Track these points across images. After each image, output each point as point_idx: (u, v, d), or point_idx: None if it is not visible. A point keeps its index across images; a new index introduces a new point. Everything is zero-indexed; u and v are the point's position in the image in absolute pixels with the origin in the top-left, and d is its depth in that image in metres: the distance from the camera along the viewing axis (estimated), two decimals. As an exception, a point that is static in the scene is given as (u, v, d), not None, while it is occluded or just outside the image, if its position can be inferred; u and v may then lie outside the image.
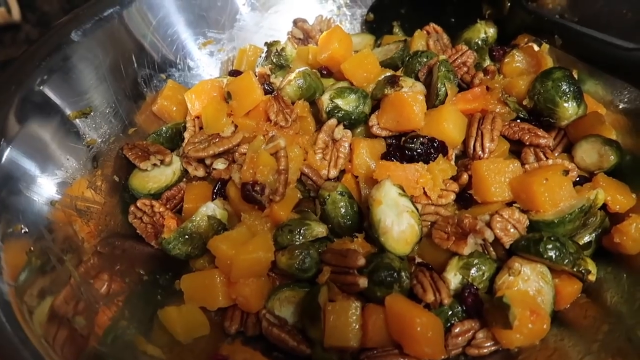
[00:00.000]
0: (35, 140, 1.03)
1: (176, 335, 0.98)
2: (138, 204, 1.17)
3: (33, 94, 1.06)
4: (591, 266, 0.97)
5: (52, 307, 0.83)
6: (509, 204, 1.07)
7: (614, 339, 0.84)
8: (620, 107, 1.20)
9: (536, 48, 1.30)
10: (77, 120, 1.18)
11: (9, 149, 0.97)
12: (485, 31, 1.43)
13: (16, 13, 2.22)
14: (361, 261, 1.01)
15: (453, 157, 1.19)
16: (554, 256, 0.94)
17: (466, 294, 0.99)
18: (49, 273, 0.90)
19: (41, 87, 1.08)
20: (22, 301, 0.78)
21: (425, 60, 1.30)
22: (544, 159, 1.12)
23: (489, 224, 1.02)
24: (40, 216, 0.98)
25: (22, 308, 0.77)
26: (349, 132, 1.21)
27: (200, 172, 1.24)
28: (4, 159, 0.95)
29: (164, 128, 1.33)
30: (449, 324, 0.99)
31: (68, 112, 1.14)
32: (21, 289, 0.81)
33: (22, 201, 0.96)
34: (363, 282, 0.99)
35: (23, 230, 0.92)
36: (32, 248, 0.91)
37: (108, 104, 1.27)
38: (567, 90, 1.12)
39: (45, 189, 1.02)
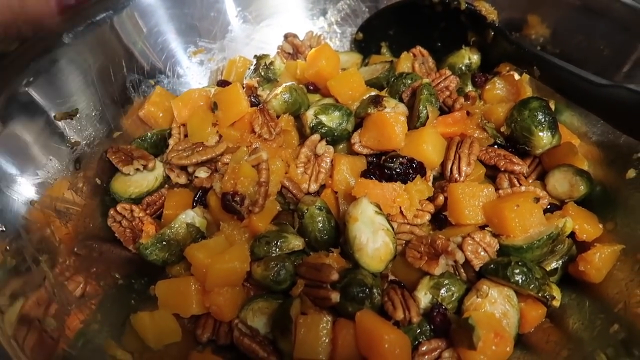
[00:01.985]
0: (17, 139, 1.04)
1: (147, 341, 0.98)
2: (118, 208, 1.18)
3: (18, 94, 1.07)
4: (556, 292, 1.00)
5: (24, 308, 0.83)
6: (482, 227, 1.10)
7: (572, 364, 0.88)
8: (594, 139, 1.24)
9: (517, 77, 1.34)
10: (62, 122, 1.19)
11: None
12: (469, 57, 1.47)
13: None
14: (334, 276, 1.03)
15: (431, 178, 1.22)
16: (520, 280, 0.97)
17: (435, 314, 1.01)
18: (23, 273, 0.90)
19: (27, 88, 1.09)
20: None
21: (409, 82, 1.34)
22: (518, 185, 1.15)
23: (460, 246, 1.05)
24: (18, 215, 0.99)
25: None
26: (331, 148, 1.24)
27: (182, 180, 1.26)
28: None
29: (149, 134, 1.34)
30: (416, 342, 1.01)
31: (53, 113, 1.14)
32: (-7, 288, 0.81)
33: (1, 200, 0.97)
34: (335, 296, 1.01)
35: (0, 229, 0.92)
36: (7, 247, 0.91)
37: (94, 106, 1.28)
38: (543, 120, 1.16)
39: (25, 188, 1.03)
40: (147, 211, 1.21)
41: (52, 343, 0.81)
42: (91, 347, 0.88)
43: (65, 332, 0.86)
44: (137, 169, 1.25)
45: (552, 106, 1.24)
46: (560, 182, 1.16)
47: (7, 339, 0.74)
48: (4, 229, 0.93)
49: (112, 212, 1.18)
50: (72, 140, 1.20)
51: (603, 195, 1.16)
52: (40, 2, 0.65)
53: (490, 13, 1.39)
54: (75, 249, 1.09)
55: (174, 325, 1.04)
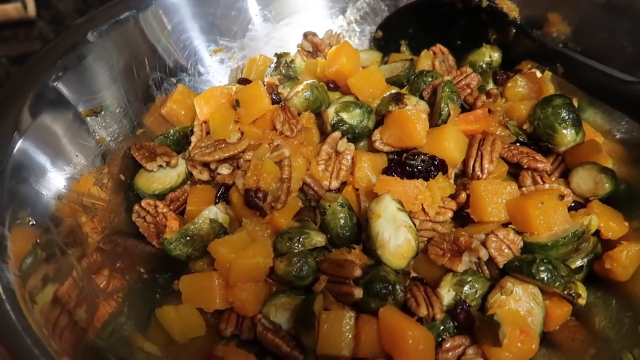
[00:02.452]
0: (47, 134, 1.06)
1: (172, 334, 1.00)
2: (142, 204, 1.20)
3: (48, 89, 1.10)
4: (582, 290, 0.99)
5: (54, 298, 0.85)
6: (505, 225, 1.09)
7: (600, 361, 0.87)
8: (618, 136, 1.24)
9: (539, 75, 1.33)
10: (88, 118, 1.21)
11: (20, 141, 0.99)
12: (490, 55, 1.46)
13: (32, 9, 2.26)
14: (357, 272, 1.03)
15: (452, 175, 1.22)
16: (545, 278, 0.97)
17: (458, 310, 1.01)
18: (52, 265, 0.92)
19: (56, 84, 1.11)
20: (25, 290, 0.80)
21: (430, 79, 1.34)
22: (541, 182, 1.15)
23: (484, 243, 1.04)
24: (47, 209, 1.01)
25: (26, 297, 0.79)
26: (352, 145, 1.24)
27: (205, 176, 1.27)
28: (15, 151, 0.98)
29: (171, 131, 1.36)
30: (440, 339, 1.01)
31: (80, 109, 1.17)
32: (25, 278, 0.83)
33: (31, 194, 0.99)
34: (358, 292, 1.01)
35: (30, 222, 0.94)
36: (38, 240, 0.93)
37: (119, 104, 1.30)
38: (566, 117, 1.15)
39: (53, 183, 1.05)
40: (171, 207, 1.23)
41: (81, 332, 0.83)
42: (119, 339, 0.90)
43: (94, 323, 0.87)
44: (160, 166, 1.26)
45: (575, 104, 1.24)
46: (584, 179, 1.15)
47: (40, 326, 0.76)
48: (34, 223, 0.95)
49: (136, 208, 1.20)
50: (97, 137, 1.22)
51: (628, 194, 1.14)
52: None
53: (511, 10, 1.39)
54: (101, 244, 1.10)
55: (198, 319, 1.05)
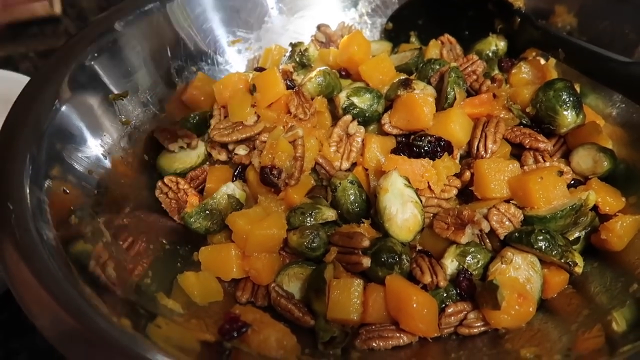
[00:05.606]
0: (82, 110, 1.14)
1: (193, 297, 1.07)
2: (165, 180, 1.28)
3: (84, 69, 1.19)
4: (578, 259, 1.04)
5: (88, 255, 0.93)
6: (507, 201, 1.15)
7: (591, 320, 0.92)
8: (618, 120, 1.28)
9: (543, 62, 1.39)
10: (115, 102, 1.29)
11: (62, 108, 1.08)
12: (496, 44, 1.52)
13: (58, 7, 2.37)
14: (366, 242, 1.10)
15: (458, 156, 1.28)
16: (543, 247, 1.02)
17: (461, 279, 1.06)
18: (85, 229, 1.00)
19: (91, 63, 1.21)
20: (63, 247, 0.89)
21: (437, 67, 1.40)
22: (542, 162, 1.20)
23: (486, 216, 1.10)
24: (79, 182, 1.09)
25: (63, 252, 0.87)
26: (362, 128, 1.30)
27: (223, 157, 1.34)
28: (56, 118, 1.07)
29: (192, 115, 1.43)
30: (443, 305, 1.06)
31: (110, 91, 1.25)
32: (63, 237, 0.91)
33: (65, 167, 1.07)
34: (366, 261, 1.08)
35: (65, 191, 1.03)
36: (72, 207, 1.01)
37: (143, 90, 1.38)
38: (567, 99, 1.20)
39: (84, 157, 1.13)
40: (191, 185, 1.30)
41: (112, 287, 0.91)
42: (146, 297, 0.97)
43: (122, 281, 0.95)
44: (181, 147, 1.34)
45: (578, 89, 1.28)
46: (584, 158, 1.20)
47: (76, 277, 0.84)
48: (68, 192, 1.03)
49: (159, 184, 1.28)
50: (123, 119, 1.30)
51: (627, 172, 1.19)
52: None
53: (516, 0, 1.44)
54: (125, 219, 1.18)
55: (216, 285, 1.12)
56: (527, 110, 1.28)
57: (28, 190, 0.94)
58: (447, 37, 1.58)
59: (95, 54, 1.23)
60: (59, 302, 0.77)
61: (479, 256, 1.09)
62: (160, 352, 0.78)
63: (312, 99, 1.36)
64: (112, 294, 0.89)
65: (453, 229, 1.12)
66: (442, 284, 1.05)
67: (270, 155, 1.21)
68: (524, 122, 1.29)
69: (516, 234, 1.06)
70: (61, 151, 1.07)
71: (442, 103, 1.31)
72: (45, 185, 0.98)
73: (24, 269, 0.80)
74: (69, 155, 1.10)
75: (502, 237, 1.09)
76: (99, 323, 0.78)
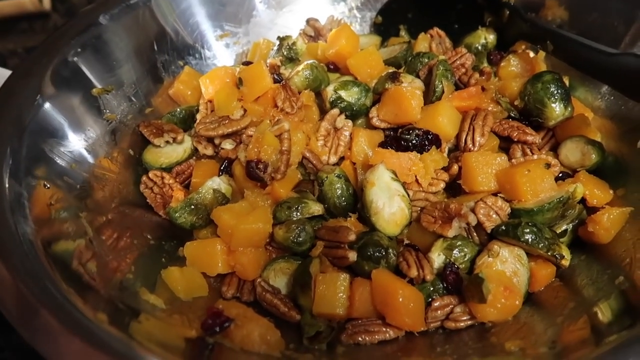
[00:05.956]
0: (64, 105, 1.13)
1: (177, 292, 1.05)
2: (150, 175, 1.26)
3: (66, 63, 1.17)
4: (565, 252, 1.03)
5: (67, 251, 0.92)
6: (494, 195, 1.14)
7: (577, 312, 0.91)
8: (607, 112, 1.28)
9: (532, 54, 1.38)
10: (99, 96, 1.28)
11: (43, 104, 1.07)
12: (485, 37, 1.51)
13: (47, 2, 2.35)
14: (352, 236, 1.09)
15: (446, 150, 1.26)
16: (530, 239, 1.01)
17: (447, 272, 1.05)
18: (66, 224, 0.99)
19: (73, 59, 1.19)
20: (42, 242, 0.87)
21: (426, 60, 1.38)
22: (531, 155, 1.19)
23: (473, 210, 1.09)
24: (60, 176, 1.07)
25: (41, 247, 0.86)
26: (350, 122, 1.29)
27: (209, 151, 1.33)
28: (38, 113, 1.05)
29: (178, 109, 1.42)
30: (430, 300, 1.06)
31: (94, 86, 1.24)
32: (42, 232, 0.90)
33: (47, 159, 1.06)
34: (352, 255, 1.07)
35: (45, 186, 1.01)
36: (52, 202, 1.00)
37: (129, 84, 1.37)
38: (556, 92, 1.20)
39: (67, 151, 1.11)
40: (177, 180, 1.29)
41: (92, 282, 0.89)
42: (127, 293, 0.96)
43: (104, 277, 0.94)
44: (167, 142, 1.33)
45: (566, 82, 1.28)
46: (572, 151, 1.19)
47: (54, 271, 0.82)
48: (48, 186, 1.02)
49: (144, 179, 1.26)
50: (108, 114, 1.29)
51: (615, 165, 1.19)
52: None
53: (505, -7, 1.44)
54: (110, 214, 1.17)
55: (201, 280, 1.11)
56: (516, 103, 1.27)
57: (7, 185, 0.92)
58: (436, 30, 1.57)
59: (79, 49, 1.22)
60: (36, 299, 0.76)
61: (465, 250, 1.08)
62: (140, 349, 0.77)
63: (300, 92, 1.35)
64: (92, 290, 0.87)
65: (440, 222, 1.11)
66: (429, 277, 1.04)
67: (256, 149, 1.20)
68: (513, 115, 1.28)
69: (503, 227, 1.05)
70: (43, 145, 1.06)
71: (430, 96, 1.30)
72: (25, 179, 0.96)
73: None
74: (50, 149, 1.09)
75: (489, 231, 1.08)
76: (78, 319, 0.77)
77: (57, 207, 1.00)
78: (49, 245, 0.89)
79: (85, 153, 1.17)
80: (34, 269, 0.79)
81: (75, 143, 1.15)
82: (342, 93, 1.31)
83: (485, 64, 1.44)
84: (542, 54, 1.38)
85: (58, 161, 1.09)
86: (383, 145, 1.25)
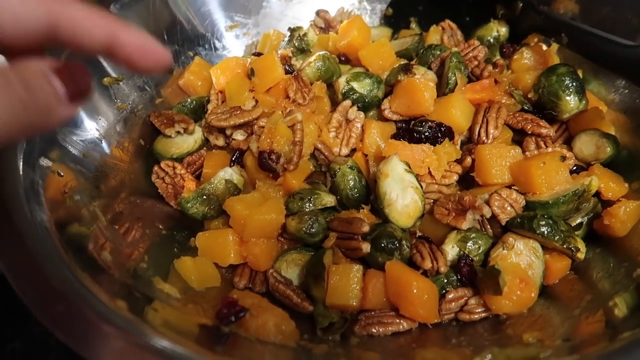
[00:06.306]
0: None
1: (190, 282, 1.05)
2: (161, 165, 1.26)
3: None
4: (580, 245, 1.03)
5: (82, 238, 0.91)
6: (508, 187, 1.13)
7: (594, 305, 0.91)
8: (621, 106, 1.27)
9: (545, 47, 1.37)
10: (110, 86, 1.27)
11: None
12: (497, 30, 1.50)
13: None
14: (365, 227, 1.08)
15: (459, 142, 1.26)
16: (545, 232, 1.01)
17: (462, 264, 1.05)
18: (80, 212, 0.99)
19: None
20: (56, 229, 0.87)
21: (438, 52, 1.38)
22: (544, 147, 1.18)
23: (487, 202, 1.09)
24: (74, 165, 1.07)
25: (56, 234, 0.86)
26: (362, 114, 1.28)
27: (220, 142, 1.32)
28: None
29: (189, 99, 1.41)
30: (443, 291, 1.05)
31: (106, 74, 1.23)
32: (56, 219, 0.89)
33: (60, 150, 1.05)
34: (366, 247, 1.06)
35: (59, 174, 1.01)
36: (66, 190, 0.99)
37: (139, 74, 1.36)
38: (570, 85, 1.19)
39: (80, 139, 1.11)
40: (188, 170, 1.28)
41: (107, 270, 0.89)
42: (142, 281, 0.95)
43: (118, 264, 0.93)
44: (178, 132, 1.32)
45: (580, 75, 1.27)
46: (586, 144, 1.19)
47: (70, 258, 0.82)
48: (62, 175, 1.01)
49: (156, 169, 1.26)
50: (119, 103, 1.28)
51: (629, 159, 1.18)
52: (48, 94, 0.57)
53: (519, -15, 1.42)
54: (121, 205, 1.16)
55: (213, 271, 1.10)
56: (529, 95, 1.26)
57: (21, 172, 0.92)
58: (447, 22, 1.56)
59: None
60: (52, 284, 0.75)
61: (480, 242, 1.07)
62: (157, 335, 0.77)
63: (311, 83, 1.34)
64: (107, 276, 0.87)
65: (454, 214, 1.10)
66: (443, 269, 1.04)
67: (268, 140, 1.19)
68: (526, 107, 1.27)
69: (518, 220, 1.05)
70: (56, 134, 1.05)
71: (443, 88, 1.29)
72: (39, 167, 0.96)
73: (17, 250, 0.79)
74: (63, 138, 1.08)
75: (503, 223, 1.07)
76: (94, 305, 0.76)
77: (72, 195, 0.99)
78: (65, 232, 0.88)
79: (97, 142, 1.16)
80: (51, 255, 0.79)
81: (88, 132, 1.15)
82: (355, 84, 1.31)
83: (498, 57, 1.44)
84: (555, 46, 1.37)
85: (71, 150, 1.08)
86: (395, 137, 1.24)
